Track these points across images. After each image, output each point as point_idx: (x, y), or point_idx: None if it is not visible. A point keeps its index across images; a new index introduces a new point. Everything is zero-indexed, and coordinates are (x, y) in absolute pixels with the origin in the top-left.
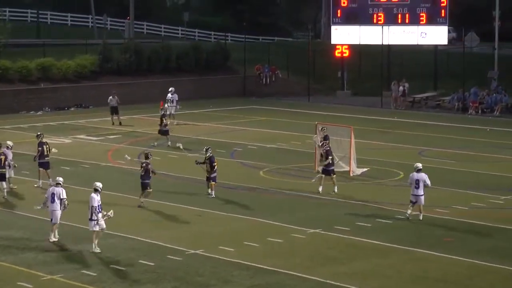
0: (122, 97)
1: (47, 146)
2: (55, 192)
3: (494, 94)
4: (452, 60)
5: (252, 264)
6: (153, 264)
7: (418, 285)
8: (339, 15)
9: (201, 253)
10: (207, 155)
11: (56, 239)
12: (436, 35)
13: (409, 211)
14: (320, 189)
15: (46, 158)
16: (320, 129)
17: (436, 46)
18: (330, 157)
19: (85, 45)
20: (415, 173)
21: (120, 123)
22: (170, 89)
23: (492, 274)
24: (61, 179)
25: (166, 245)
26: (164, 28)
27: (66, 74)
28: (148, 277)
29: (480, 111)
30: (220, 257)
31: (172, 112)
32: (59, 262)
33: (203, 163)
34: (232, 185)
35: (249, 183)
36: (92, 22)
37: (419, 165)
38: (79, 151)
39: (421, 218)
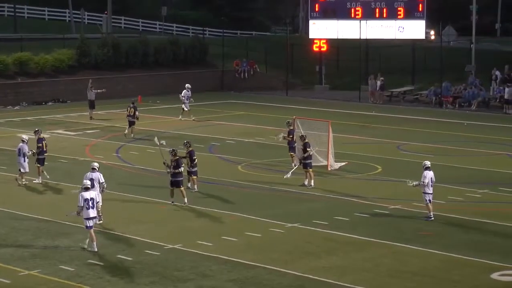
0: (100, 92)
1: (45, 142)
2: (93, 177)
3: (472, 88)
4: (430, 54)
5: (230, 258)
6: (131, 259)
7: (395, 279)
8: (317, 9)
9: (179, 247)
10: (187, 149)
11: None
12: (414, 29)
13: (431, 214)
14: (306, 182)
15: (44, 154)
16: (286, 122)
17: (413, 40)
18: (309, 149)
19: (63, 39)
20: (428, 172)
21: (91, 118)
22: (186, 86)
23: (469, 268)
24: (96, 164)
25: (144, 240)
26: (142, 22)
27: (43, 68)
28: (126, 272)
29: (457, 105)
30: (198, 252)
31: (186, 108)
32: (36, 258)
33: (169, 166)
34: (210, 179)
35: (227, 177)
36: (69, 17)
37: (428, 162)
38: (57, 146)
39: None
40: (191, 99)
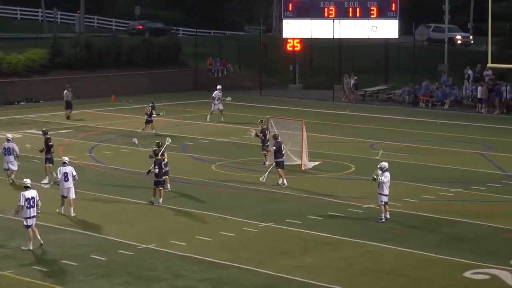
0: (74, 92)
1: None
2: (67, 171)
3: (444, 87)
4: (403, 53)
5: (204, 258)
6: (104, 259)
7: (369, 278)
8: (290, 8)
9: (152, 247)
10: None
11: (75, 214)
12: (387, 29)
13: (388, 214)
14: (280, 181)
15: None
16: (258, 121)
17: (386, 39)
18: (283, 150)
19: (35, 39)
20: (386, 173)
21: (68, 117)
22: (218, 87)
23: (441, 266)
24: (67, 158)
25: (118, 240)
26: (115, 22)
27: (16, 68)
28: (100, 272)
29: (430, 105)
30: (171, 251)
31: (220, 107)
32: (9, 258)
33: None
34: (183, 179)
35: (201, 177)
36: (42, 16)
37: (386, 164)
38: None
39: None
40: (224, 99)
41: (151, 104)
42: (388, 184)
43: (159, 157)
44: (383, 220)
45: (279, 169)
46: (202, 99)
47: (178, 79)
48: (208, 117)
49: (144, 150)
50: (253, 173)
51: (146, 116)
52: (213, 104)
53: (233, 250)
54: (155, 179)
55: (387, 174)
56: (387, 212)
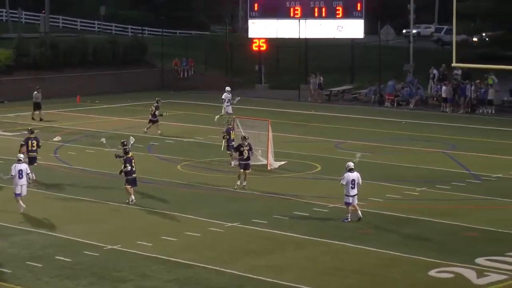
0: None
1: (31, 141)
2: (22, 169)
3: (410, 87)
4: (369, 53)
5: (170, 258)
6: (70, 260)
7: (334, 277)
8: (256, 8)
9: (118, 248)
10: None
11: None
12: (353, 28)
13: (349, 215)
14: (238, 183)
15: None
16: (225, 121)
17: (352, 39)
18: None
19: (0, 39)
20: (349, 173)
21: (41, 119)
22: (226, 88)
23: (406, 265)
24: (22, 155)
25: (83, 240)
26: (81, 22)
27: None
28: (65, 273)
29: (396, 104)
30: (137, 252)
31: (229, 111)
32: None
33: (123, 156)
34: (149, 179)
35: (167, 177)
36: (6, 16)
37: (351, 164)
38: None
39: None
40: (233, 101)
41: (155, 104)
42: (350, 185)
43: (130, 155)
44: (349, 219)
45: (248, 171)
46: (168, 99)
47: (144, 79)
48: (215, 118)
49: (110, 150)
50: (219, 173)
51: (150, 116)
52: (224, 107)
53: (199, 250)
54: (127, 177)
55: (345, 175)
56: (359, 211)
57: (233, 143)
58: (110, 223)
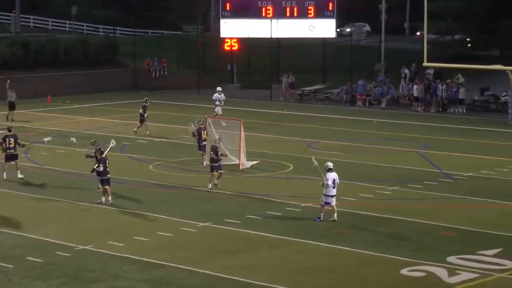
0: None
1: (9, 139)
2: None
3: (381, 86)
4: (341, 53)
5: (142, 258)
6: (41, 260)
7: (308, 276)
8: (228, 8)
9: (90, 248)
10: (96, 148)
11: None
12: (324, 28)
13: (322, 214)
14: (217, 182)
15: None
16: (196, 121)
17: (324, 39)
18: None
19: None
20: (329, 173)
21: (12, 119)
22: (218, 89)
23: (380, 264)
24: None
25: (55, 241)
26: (52, 21)
27: None
28: (37, 274)
29: (367, 103)
30: (109, 252)
31: (219, 112)
32: None
33: (93, 156)
34: (121, 179)
35: (139, 177)
36: None
37: (331, 164)
38: None
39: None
40: (223, 102)
41: (143, 104)
42: (331, 185)
43: (104, 156)
44: (321, 219)
45: (220, 171)
46: (140, 99)
47: (116, 79)
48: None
49: (81, 151)
50: (191, 173)
51: (139, 116)
52: (217, 106)
53: (171, 250)
54: (101, 177)
55: (328, 175)
56: (335, 214)
57: (204, 143)
58: (81, 223)
